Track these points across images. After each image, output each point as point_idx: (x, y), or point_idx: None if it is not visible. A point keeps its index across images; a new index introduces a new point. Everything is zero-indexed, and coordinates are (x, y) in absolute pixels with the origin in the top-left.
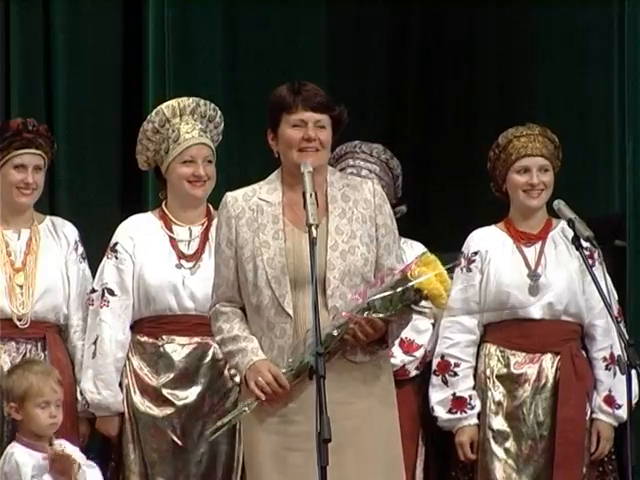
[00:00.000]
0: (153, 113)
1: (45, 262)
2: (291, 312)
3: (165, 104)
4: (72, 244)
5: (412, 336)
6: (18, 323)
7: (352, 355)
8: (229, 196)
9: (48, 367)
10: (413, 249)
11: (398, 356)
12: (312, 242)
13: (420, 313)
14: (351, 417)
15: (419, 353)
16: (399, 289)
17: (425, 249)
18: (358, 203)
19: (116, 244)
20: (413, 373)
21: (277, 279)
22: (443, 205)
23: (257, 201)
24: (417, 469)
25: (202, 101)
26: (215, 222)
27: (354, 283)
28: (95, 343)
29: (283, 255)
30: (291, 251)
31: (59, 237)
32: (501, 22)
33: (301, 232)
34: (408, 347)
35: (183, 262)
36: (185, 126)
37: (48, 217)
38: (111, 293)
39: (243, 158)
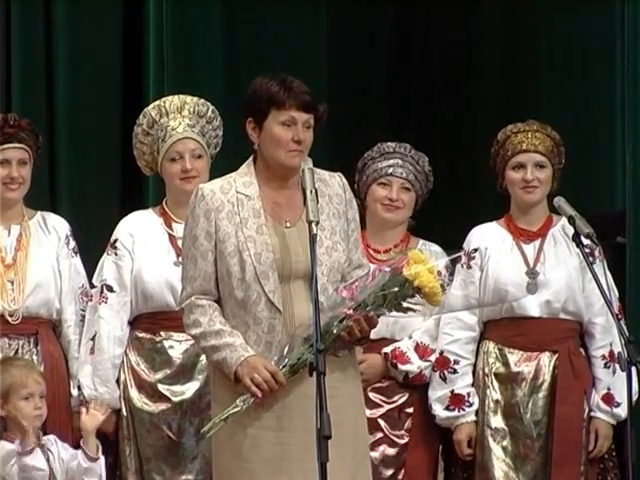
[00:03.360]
0: (140, 116)
1: (36, 257)
2: (281, 307)
3: (151, 105)
4: (63, 239)
5: (426, 340)
6: (10, 319)
7: (336, 350)
8: (206, 188)
9: (30, 361)
10: (431, 251)
11: (415, 362)
12: (313, 239)
13: (412, 310)
14: (336, 410)
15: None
16: (395, 286)
17: (442, 251)
18: (332, 198)
19: (116, 240)
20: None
21: (265, 274)
22: (444, 203)
23: (235, 194)
24: (439, 473)
25: (189, 97)
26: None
27: (336, 279)
28: (93, 339)
29: (270, 250)
30: (277, 246)
31: (50, 232)
32: (504, 23)
33: (282, 227)
34: (423, 352)
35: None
36: (172, 123)
37: (39, 212)
38: (110, 289)
39: (242, 157)
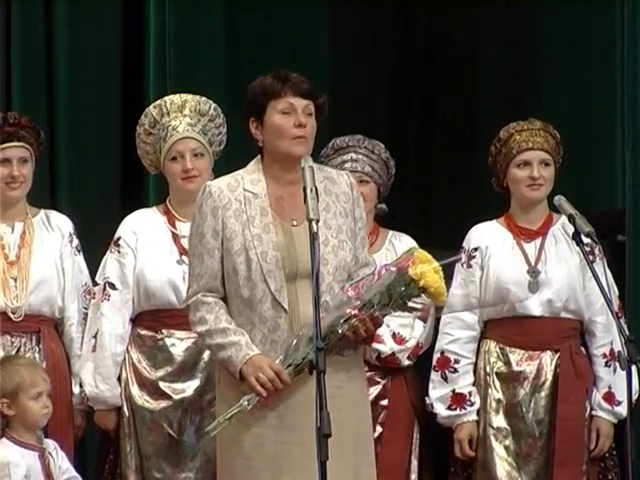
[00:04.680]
0: (142, 116)
1: (39, 255)
2: (286, 306)
3: (152, 105)
4: (67, 237)
5: (403, 332)
6: (12, 316)
7: (342, 349)
8: (213, 186)
9: (33, 359)
10: (402, 242)
11: (388, 344)
12: (313, 237)
13: (417, 310)
14: (338, 410)
15: (410, 344)
16: (401, 286)
17: (414, 242)
18: (339, 197)
19: (119, 238)
20: (405, 363)
21: (272, 273)
22: (446, 202)
23: (243, 192)
24: (412, 459)
25: (190, 96)
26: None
27: (342, 278)
28: (95, 337)
29: (276, 249)
30: (283, 245)
31: (53, 230)
32: (505, 21)
33: (289, 226)
34: (400, 341)
35: (184, 258)
36: (173, 122)
37: (42, 210)
38: (112, 287)
39: (244, 156)
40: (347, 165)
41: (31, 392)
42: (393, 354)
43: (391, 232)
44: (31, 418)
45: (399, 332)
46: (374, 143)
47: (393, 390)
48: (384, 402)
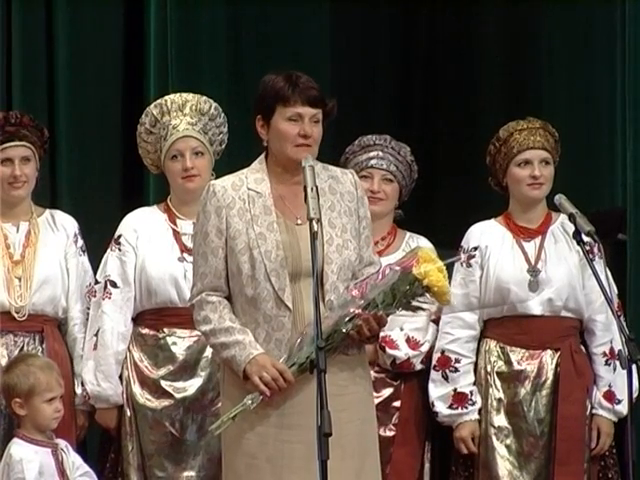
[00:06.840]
0: (143, 115)
1: (44, 254)
2: (290, 305)
3: (153, 104)
4: (71, 237)
5: (417, 336)
6: (16, 315)
7: (346, 349)
8: (217, 185)
9: (48, 360)
10: (418, 244)
11: (403, 349)
12: (313, 236)
13: (420, 309)
14: (342, 409)
15: (424, 348)
16: (405, 285)
17: (430, 244)
18: (344, 196)
19: (120, 236)
20: (419, 367)
21: (276, 272)
22: (447, 201)
23: (247, 191)
24: (425, 462)
25: (191, 95)
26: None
27: (346, 277)
28: (97, 335)
29: (281, 248)
30: (287, 244)
31: (58, 230)
32: (506, 19)
33: (293, 225)
34: (414, 345)
35: (186, 255)
36: (174, 121)
37: (48, 210)
38: (113, 285)
39: (247, 154)
40: (373, 162)
41: (46, 396)
42: (408, 359)
43: (408, 234)
44: (42, 420)
45: (413, 336)
46: (400, 145)
47: (406, 392)
48: (397, 404)
